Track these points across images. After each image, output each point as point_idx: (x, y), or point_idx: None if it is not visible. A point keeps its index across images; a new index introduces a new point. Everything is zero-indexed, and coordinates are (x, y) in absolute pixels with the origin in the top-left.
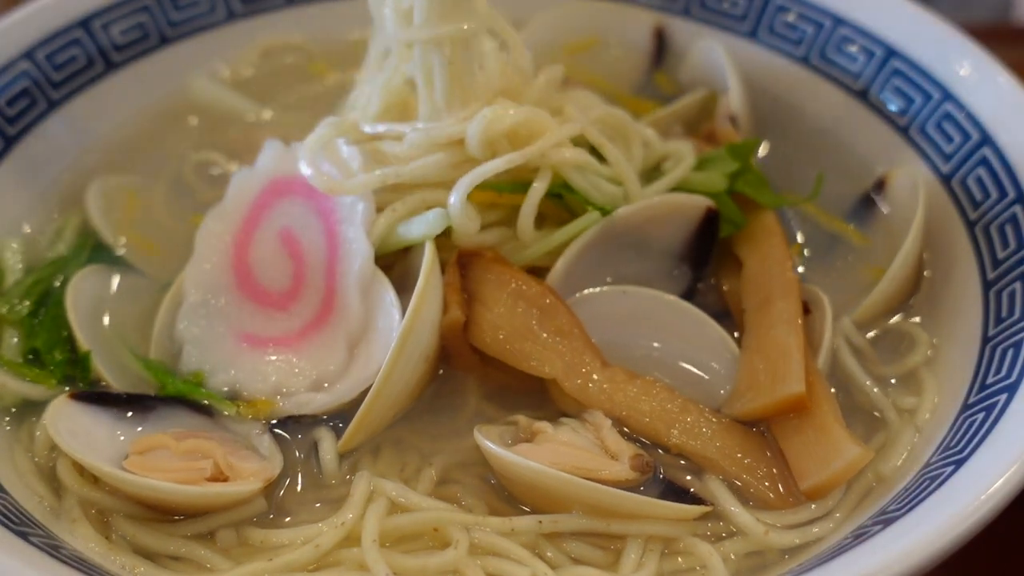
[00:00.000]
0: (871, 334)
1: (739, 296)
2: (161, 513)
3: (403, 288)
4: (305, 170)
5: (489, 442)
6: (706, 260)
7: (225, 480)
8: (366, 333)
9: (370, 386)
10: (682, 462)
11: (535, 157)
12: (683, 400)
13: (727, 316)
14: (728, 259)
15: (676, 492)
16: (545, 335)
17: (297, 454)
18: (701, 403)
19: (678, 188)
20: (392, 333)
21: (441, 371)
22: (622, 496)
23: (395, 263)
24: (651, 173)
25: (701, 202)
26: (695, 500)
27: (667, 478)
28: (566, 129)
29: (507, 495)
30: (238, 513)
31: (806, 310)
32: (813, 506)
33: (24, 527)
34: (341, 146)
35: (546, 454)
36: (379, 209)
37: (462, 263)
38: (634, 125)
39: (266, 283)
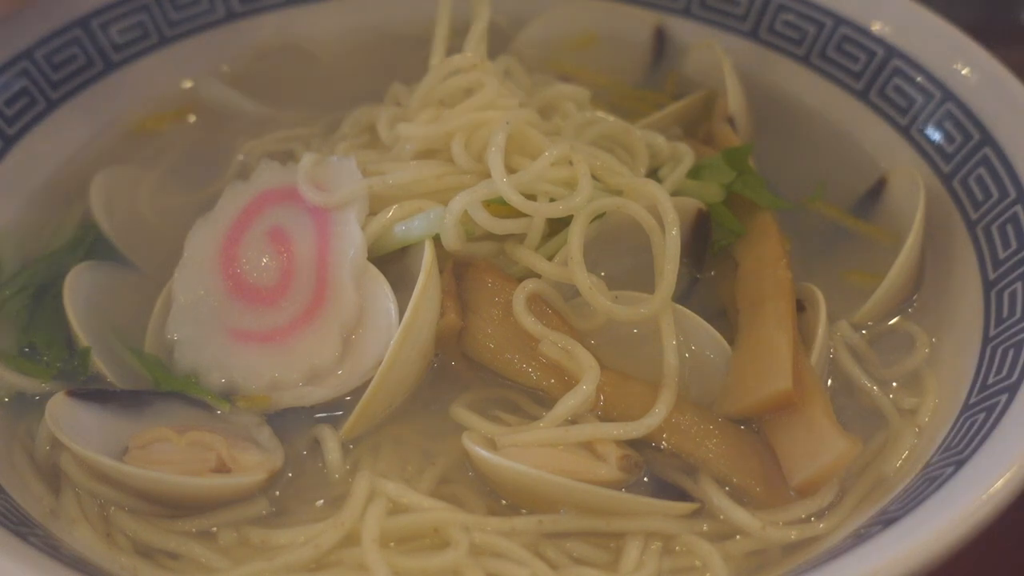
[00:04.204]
0: (872, 335)
1: (735, 296)
2: (165, 507)
3: (399, 289)
4: (300, 186)
5: (476, 446)
6: (701, 260)
7: (229, 472)
8: (361, 325)
9: (369, 378)
10: (675, 461)
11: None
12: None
13: (724, 316)
14: (727, 260)
15: (669, 491)
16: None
17: (297, 448)
18: (693, 402)
19: (675, 195)
20: (390, 326)
21: (435, 364)
22: (610, 495)
23: (391, 266)
24: (652, 177)
25: (692, 204)
26: (688, 499)
27: (659, 477)
28: (556, 151)
29: None
30: (241, 512)
31: (801, 308)
32: (806, 502)
33: (23, 527)
34: (341, 162)
35: (533, 456)
36: (373, 214)
37: (456, 272)
38: (636, 132)
39: (255, 279)
